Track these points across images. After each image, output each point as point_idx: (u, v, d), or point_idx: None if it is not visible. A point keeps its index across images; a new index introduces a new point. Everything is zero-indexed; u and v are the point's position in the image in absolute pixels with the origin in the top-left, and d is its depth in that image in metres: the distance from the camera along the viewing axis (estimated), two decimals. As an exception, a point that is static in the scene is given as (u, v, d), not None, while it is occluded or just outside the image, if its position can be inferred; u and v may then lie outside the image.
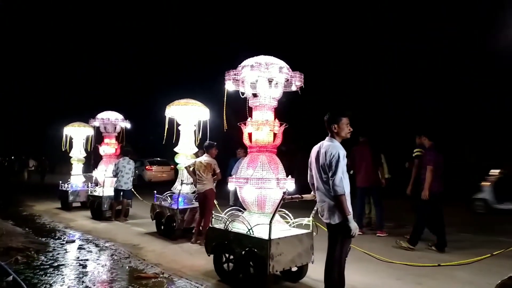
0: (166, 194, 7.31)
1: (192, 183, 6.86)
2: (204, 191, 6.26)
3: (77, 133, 11.00)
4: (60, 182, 10.85)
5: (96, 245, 6.21)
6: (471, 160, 13.36)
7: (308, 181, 3.63)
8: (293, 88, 4.59)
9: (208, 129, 7.29)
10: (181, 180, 7.20)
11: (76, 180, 10.77)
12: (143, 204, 9.34)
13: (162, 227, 7.03)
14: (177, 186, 7.21)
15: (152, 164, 19.70)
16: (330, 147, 3.30)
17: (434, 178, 5.75)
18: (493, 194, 9.69)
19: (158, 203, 7.27)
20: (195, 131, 7.42)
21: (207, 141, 6.56)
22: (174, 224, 6.68)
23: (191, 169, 6.45)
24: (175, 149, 7.30)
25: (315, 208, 3.92)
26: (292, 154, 14.88)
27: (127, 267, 4.97)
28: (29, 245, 5.80)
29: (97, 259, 5.39)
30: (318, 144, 3.50)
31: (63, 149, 11.13)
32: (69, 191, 10.36)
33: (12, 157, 35.89)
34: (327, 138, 3.47)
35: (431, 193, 5.74)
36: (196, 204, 6.72)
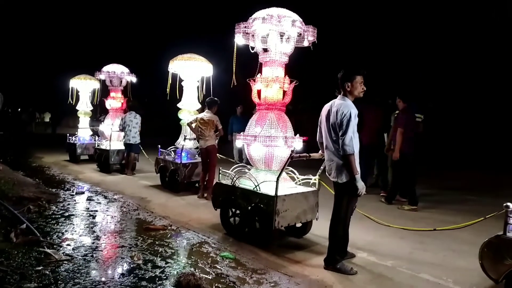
0: (170, 149, 7.40)
1: (195, 139, 6.91)
2: (207, 147, 6.35)
3: (83, 86, 10.94)
4: (68, 135, 10.98)
5: (105, 197, 6.37)
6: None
7: (317, 139, 3.64)
8: (305, 44, 4.43)
9: (211, 85, 7.22)
10: (184, 135, 7.28)
11: (83, 133, 10.88)
12: (146, 158, 9.49)
13: (166, 180, 7.21)
14: (180, 141, 7.30)
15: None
16: (342, 106, 3.27)
17: (405, 140, 5.97)
18: None
19: (162, 157, 7.39)
20: (198, 87, 7.37)
21: (209, 97, 6.54)
22: (178, 177, 6.83)
23: (193, 125, 6.48)
24: (178, 105, 7.32)
25: (322, 166, 3.96)
26: (299, 113, 14.76)
27: (135, 219, 5.12)
28: (40, 195, 5.94)
29: (107, 210, 5.54)
30: (330, 103, 3.46)
31: (69, 102, 11.15)
32: (77, 144, 10.51)
33: (19, 109, 36.10)
34: (339, 96, 3.42)
35: (402, 154, 6.00)
36: (199, 159, 6.84)
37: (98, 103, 10.92)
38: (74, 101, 11.10)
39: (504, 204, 2.88)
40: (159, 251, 3.85)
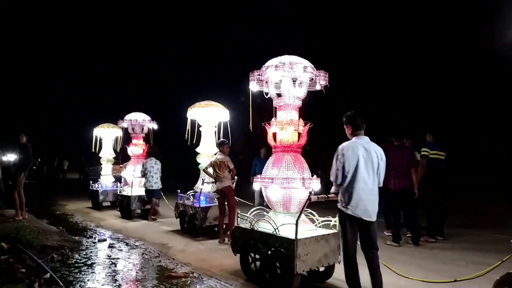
0: (189, 193, 7.51)
1: (213, 182, 7.02)
2: (222, 188, 6.44)
3: (106, 134, 11.41)
4: (91, 182, 11.30)
5: (127, 244, 6.43)
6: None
7: (338, 180, 3.62)
8: (318, 87, 4.58)
9: (229, 129, 7.45)
10: (202, 179, 7.41)
11: (106, 180, 11.17)
12: (167, 204, 9.59)
13: (186, 225, 7.28)
14: (198, 185, 7.43)
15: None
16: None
17: (392, 176, 6.25)
18: None
19: (181, 202, 7.50)
20: (215, 132, 7.61)
21: (219, 139, 6.73)
22: (196, 221, 6.89)
23: (209, 169, 6.62)
24: (197, 150, 7.56)
25: None
26: (316, 153, 14.83)
27: (157, 266, 5.12)
28: (63, 243, 6.07)
29: (128, 258, 5.57)
30: (358, 145, 3.60)
31: (93, 150, 11.57)
32: (99, 191, 10.79)
33: (45, 157, 37.60)
34: (366, 137, 3.68)
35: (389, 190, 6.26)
36: (217, 203, 6.89)
37: (121, 150, 11.29)
38: (97, 149, 11.53)
39: None
40: None
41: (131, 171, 9.83)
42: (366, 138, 3.70)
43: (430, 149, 6.83)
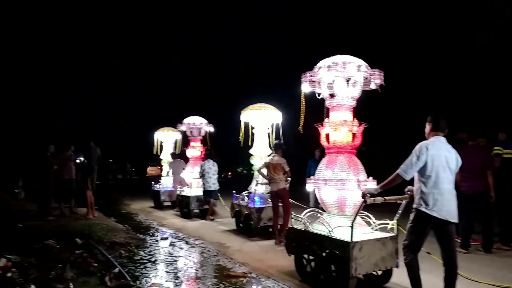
0: (244, 194, 7.72)
1: (267, 183, 7.14)
2: (278, 190, 6.52)
3: (166, 137, 12.15)
4: (153, 183, 12.02)
5: (187, 243, 6.75)
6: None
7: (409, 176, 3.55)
8: (373, 86, 4.50)
9: (280, 131, 7.55)
10: (256, 180, 7.56)
11: (166, 181, 11.81)
12: (222, 204, 9.87)
13: (241, 225, 7.52)
14: (252, 186, 7.60)
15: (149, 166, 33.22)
16: None
17: (464, 179, 5.81)
18: None
19: (236, 202, 7.74)
20: (268, 133, 7.75)
21: (276, 141, 6.82)
22: (251, 222, 7.06)
23: (262, 170, 6.75)
24: (250, 151, 7.76)
25: (399, 210, 3.85)
26: (374, 154, 14.39)
27: (216, 265, 5.32)
28: (129, 241, 6.53)
29: (189, 256, 5.85)
30: (442, 145, 3.55)
31: (154, 152, 12.34)
32: (161, 191, 11.45)
33: (110, 160, 40.65)
34: (444, 138, 3.61)
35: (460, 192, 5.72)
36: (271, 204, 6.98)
37: (180, 153, 11.88)
38: (159, 151, 12.29)
39: None
40: None
41: (190, 172, 10.29)
42: (444, 139, 3.62)
43: (503, 147, 6.36)
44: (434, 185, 3.43)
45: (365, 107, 5.14)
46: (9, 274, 4.24)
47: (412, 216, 3.57)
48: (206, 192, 9.04)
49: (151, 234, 7.60)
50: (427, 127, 3.67)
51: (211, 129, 10.64)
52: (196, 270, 5.11)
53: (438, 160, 3.44)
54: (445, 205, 3.42)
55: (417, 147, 3.51)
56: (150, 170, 33.05)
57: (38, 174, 8.71)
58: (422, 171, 3.46)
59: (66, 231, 6.75)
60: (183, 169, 10.73)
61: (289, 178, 6.73)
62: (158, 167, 27.95)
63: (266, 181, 6.97)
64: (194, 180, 9.81)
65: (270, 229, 7.09)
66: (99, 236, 6.50)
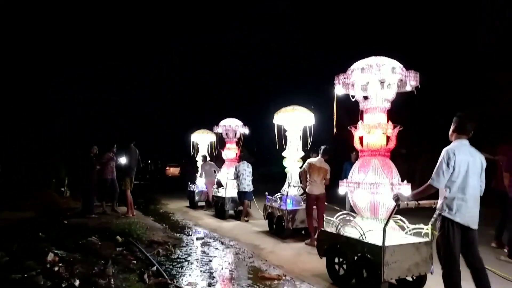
0: (277, 195, 7.87)
1: (299, 186, 7.23)
2: (319, 194, 6.62)
3: (202, 139, 12.67)
4: (189, 183, 12.50)
5: (222, 243, 6.96)
6: None
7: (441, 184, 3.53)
8: (408, 88, 4.51)
9: (312, 133, 7.68)
10: (289, 182, 7.70)
11: (201, 182, 12.20)
12: (256, 205, 9.96)
13: (274, 226, 7.67)
14: (285, 188, 7.74)
15: (170, 166, 36.78)
16: None
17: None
18: None
19: (269, 204, 7.91)
20: (301, 136, 7.86)
21: (325, 146, 6.85)
22: (284, 223, 7.20)
23: (304, 167, 6.87)
24: (283, 154, 7.89)
25: (435, 215, 3.82)
26: (415, 157, 14.02)
27: (251, 266, 5.43)
28: (167, 240, 6.83)
29: (224, 257, 6.01)
30: (467, 149, 3.53)
31: (191, 154, 12.88)
32: (195, 192, 11.94)
33: (149, 161, 42.33)
34: (467, 141, 3.59)
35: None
36: (304, 206, 7.10)
37: (216, 155, 12.24)
38: (196, 152, 12.82)
39: None
40: None
41: (225, 173, 10.54)
42: (468, 142, 3.58)
43: None
44: (459, 190, 3.40)
45: (402, 108, 5.10)
46: (56, 268, 4.56)
47: (438, 224, 3.55)
48: (241, 194, 9.26)
49: (187, 233, 7.89)
50: (452, 128, 3.61)
51: (246, 131, 10.86)
52: (231, 270, 5.25)
53: (464, 165, 3.41)
54: (469, 211, 3.40)
55: (443, 153, 3.47)
56: (172, 170, 36.15)
57: (82, 174, 9.27)
58: (449, 177, 3.43)
59: (108, 229, 7.17)
60: (214, 171, 11.37)
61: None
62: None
63: (299, 183, 7.08)
64: (229, 181, 10.08)
65: (303, 231, 7.18)
66: (138, 234, 6.84)
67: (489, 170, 6.76)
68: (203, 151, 12.64)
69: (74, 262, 4.92)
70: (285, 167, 7.95)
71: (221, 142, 11.27)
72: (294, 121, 7.74)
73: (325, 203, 6.79)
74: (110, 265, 4.85)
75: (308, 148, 7.82)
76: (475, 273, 3.43)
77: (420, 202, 3.76)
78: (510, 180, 5.74)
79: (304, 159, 7.55)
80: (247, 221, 9.33)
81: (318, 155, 6.87)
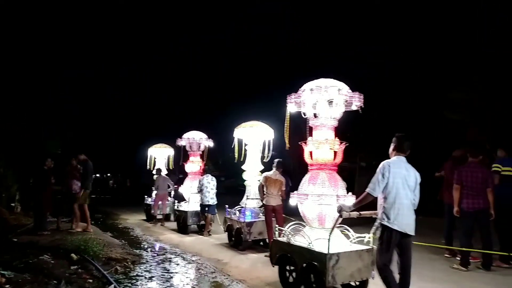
0: (236, 208, 8.28)
1: (258, 198, 7.68)
2: (276, 205, 7.07)
3: (159, 153, 13.24)
4: (145, 196, 12.85)
5: (184, 259, 7.08)
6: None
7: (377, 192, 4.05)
8: (354, 108, 5.07)
9: (271, 148, 8.21)
10: (247, 195, 8.17)
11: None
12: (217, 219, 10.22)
13: (233, 239, 8.06)
14: (244, 201, 8.18)
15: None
16: None
17: (465, 195, 6.31)
18: None
19: (229, 216, 8.30)
20: (260, 150, 8.36)
21: (279, 159, 7.33)
22: (243, 235, 7.60)
23: (260, 182, 7.32)
24: (243, 167, 8.35)
25: (376, 223, 4.35)
26: (374, 169, 15.07)
27: (213, 282, 5.60)
28: (126, 256, 6.83)
29: (185, 273, 6.13)
30: (402, 164, 4.09)
31: (148, 168, 13.38)
32: (151, 205, 12.28)
33: (108, 174, 41.47)
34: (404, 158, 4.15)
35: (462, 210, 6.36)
36: (263, 218, 7.52)
37: (178, 167, 12.54)
38: (152, 166, 13.26)
39: None
40: None
41: (188, 187, 10.74)
42: (405, 159, 4.17)
43: (502, 165, 6.74)
44: (394, 200, 3.95)
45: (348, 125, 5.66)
46: (2, 291, 4.44)
47: (379, 233, 4.08)
48: (204, 207, 9.45)
49: (147, 249, 8.03)
50: (391, 147, 4.22)
51: (210, 143, 11.17)
52: (193, 287, 5.38)
53: (398, 177, 3.98)
54: (405, 219, 3.95)
55: (380, 166, 4.05)
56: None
57: (34, 188, 9.14)
58: (384, 188, 3.98)
59: (62, 246, 7.06)
60: (168, 185, 11.93)
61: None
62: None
63: (258, 196, 7.52)
64: (192, 195, 10.31)
65: (261, 243, 7.60)
66: (95, 251, 6.73)
67: (437, 184, 7.52)
68: (160, 164, 13.05)
69: (23, 283, 4.82)
70: (244, 180, 8.39)
71: (184, 155, 11.52)
72: (254, 135, 8.24)
73: (283, 215, 7.24)
74: (63, 285, 4.79)
75: (267, 161, 8.30)
76: (403, 272, 4.00)
77: (362, 212, 4.27)
78: (462, 193, 6.36)
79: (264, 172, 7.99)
80: (210, 235, 9.52)
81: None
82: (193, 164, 11.12)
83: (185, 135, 11.18)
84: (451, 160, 7.40)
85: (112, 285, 4.87)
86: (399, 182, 3.98)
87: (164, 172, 12.73)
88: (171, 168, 13.24)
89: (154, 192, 12.29)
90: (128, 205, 17.81)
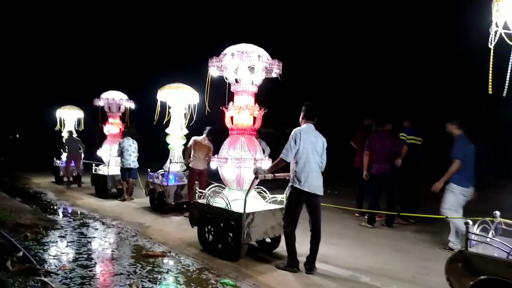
0: (159, 172, 8.41)
1: (182, 162, 7.88)
2: (202, 169, 7.41)
3: (68, 115, 13.06)
4: (54, 158, 12.64)
5: (103, 223, 7.07)
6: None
7: (289, 159, 4.45)
8: (274, 75, 5.36)
9: (195, 111, 8.32)
10: (170, 159, 8.32)
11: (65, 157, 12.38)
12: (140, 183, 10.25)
13: (156, 202, 8.24)
14: (167, 165, 8.32)
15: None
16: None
17: (374, 160, 7.06)
18: None
19: (151, 180, 8.44)
20: (185, 113, 8.45)
21: (211, 127, 7.59)
22: (165, 199, 7.82)
23: (189, 145, 7.55)
24: (166, 130, 8.42)
25: (288, 186, 4.79)
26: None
27: (134, 245, 5.65)
28: (37, 222, 6.62)
29: (104, 237, 6.12)
30: (311, 131, 4.50)
31: (56, 129, 13.27)
32: (60, 167, 12.40)
33: (17, 136, 38.44)
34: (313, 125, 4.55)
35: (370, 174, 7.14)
36: (186, 181, 7.81)
37: (97, 130, 12.12)
38: (62, 128, 13.10)
39: (464, 221, 3.29)
40: (158, 278, 4.30)
41: (108, 150, 10.55)
42: (313, 127, 4.59)
43: (407, 134, 7.66)
44: (305, 165, 4.39)
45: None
46: None
47: (288, 193, 4.53)
48: (125, 170, 9.38)
49: (63, 215, 7.88)
50: (301, 115, 4.64)
51: (131, 105, 10.93)
52: (112, 251, 5.37)
53: (308, 143, 4.41)
54: (314, 181, 4.43)
55: (292, 133, 4.44)
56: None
57: None
58: (296, 153, 4.40)
59: None
60: (80, 147, 12.15)
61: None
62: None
63: (181, 160, 7.71)
64: (112, 158, 10.17)
65: (185, 206, 7.89)
66: (0, 218, 6.50)
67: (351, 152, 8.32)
68: (69, 127, 12.88)
69: None
70: (168, 144, 8.48)
71: (102, 116, 11.14)
72: (178, 98, 8.26)
73: (207, 179, 7.55)
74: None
75: (191, 125, 8.45)
76: (314, 230, 4.52)
77: (276, 174, 4.68)
78: (372, 159, 7.13)
79: (188, 137, 8.18)
80: (132, 199, 9.56)
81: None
82: (112, 126, 10.88)
83: (104, 95, 10.81)
84: (363, 128, 8.20)
85: (21, 252, 4.72)
86: (308, 148, 4.41)
87: (74, 134, 12.60)
88: (80, 130, 13.27)
89: (64, 154, 12.23)
90: (41, 168, 16.93)
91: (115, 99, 10.78)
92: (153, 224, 7.01)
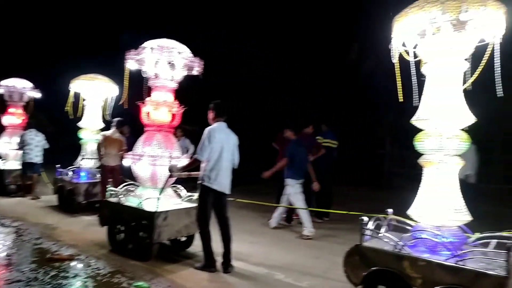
0: (69, 168, 8.01)
1: (95, 158, 7.60)
2: (115, 165, 7.14)
3: None
4: None
5: (2, 225, 6.46)
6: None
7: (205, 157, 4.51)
8: (195, 72, 5.41)
9: (112, 106, 8.04)
10: (83, 155, 8.00)
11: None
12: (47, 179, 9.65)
13: (64, 201, 7.83)
14: (79, 161, 7.99)
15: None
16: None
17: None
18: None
19: (60, 177, 7.97)
20: (102, 106, 8.14)
21: (119, 119, 7.31)
22: (76, 197, 7.47)
23: (99, 143, 7.25)
24: (79, 124, 8.04)
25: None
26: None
27: (38, 249, 5.27)
28: None
29: (2, 240, 5.61)
30: (223, 129, 4.59)
31: None
32: None
33: None
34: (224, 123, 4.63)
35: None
36: (98, 179, 7.52)
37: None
38: None
39: (360, 218, 3.61)
40: (63, 284, 4.06)
41: (7, 142, 9.74)
42: (225, 125, 4.71)
43: (323, 137, 8.22)
44: (216, 163, 4.51)
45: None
46: None
47: (198, 192, 4.63)
48: (27, 165, 8.77)
49: None
50: (211, 114, 4.73)
51: (36, 95, 10.18)
52: (10, 255, 4.98)
53: (220, 142, 4.53)
54: (223, 180, 4.58)
55: (206, 132, 4.52)
56: None
57: None
58: (209, 152, 4.50)
59: None
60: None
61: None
62: None
63: (95, 156, 7.42)
64: (11, 151, 9.46)
65: (97, 205, 7.57)
66: None
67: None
68: None
69: None
70: (81, 139, 8.10)
71: (2, 105, 10.23)
72: (94, 90, 7.91)
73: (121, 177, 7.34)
74: None
75: (106, 119, 8.15)
76: (223, 228, 4.65)
77: (191, 173, 4.75)
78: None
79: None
80: (37, 198, 8.88)
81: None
82: (13, 117, 10.05)
83: (3, 82, 9.95)
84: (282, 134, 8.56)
85: None
86: (221, 147, 4.53)
87: None
88: None
89: None
90: None
91: (17, 87, 9.97)
92: (61, 225, 6.63)
